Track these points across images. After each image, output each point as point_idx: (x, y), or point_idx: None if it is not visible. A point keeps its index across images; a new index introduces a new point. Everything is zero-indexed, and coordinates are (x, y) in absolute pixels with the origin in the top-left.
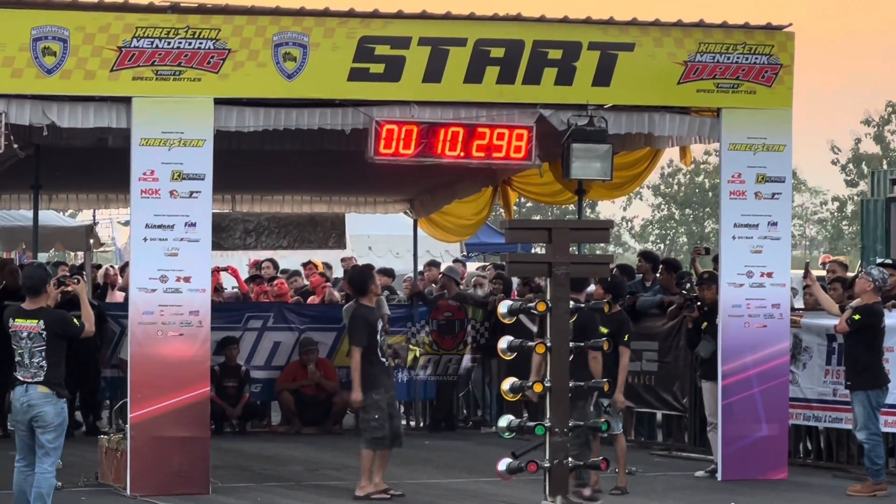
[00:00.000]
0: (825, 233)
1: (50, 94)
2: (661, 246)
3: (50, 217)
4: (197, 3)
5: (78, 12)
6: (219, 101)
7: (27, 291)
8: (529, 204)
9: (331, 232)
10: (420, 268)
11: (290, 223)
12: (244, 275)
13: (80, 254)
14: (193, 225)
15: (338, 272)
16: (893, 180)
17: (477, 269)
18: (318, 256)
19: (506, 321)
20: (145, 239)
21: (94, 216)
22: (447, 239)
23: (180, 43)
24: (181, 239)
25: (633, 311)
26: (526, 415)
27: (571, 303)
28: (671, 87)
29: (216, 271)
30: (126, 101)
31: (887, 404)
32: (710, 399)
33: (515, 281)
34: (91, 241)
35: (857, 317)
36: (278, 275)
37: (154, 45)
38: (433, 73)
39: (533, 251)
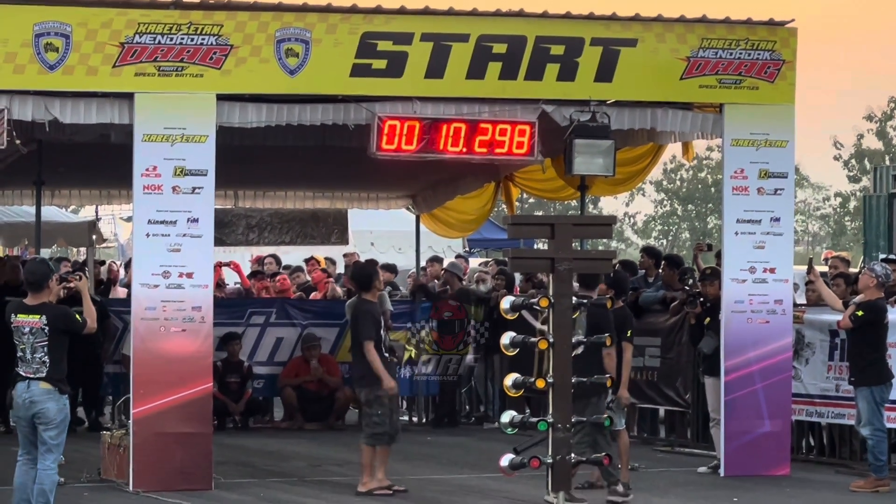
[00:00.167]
0: (828, 228)
1: (52, 90)
2: (664, 242)
3: (52, 213)
4: None
5: (80, 8)
6: (221, 97)
7: (29, 287)
8: (532, 200)
9: (333, 228)
10: (423, 263)
11: (293, 219)
12: (246, 270)
13: (83, 250)
14: (196, 221)
15: (340, 268)
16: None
17: (479, 264)
18: (321, 252)
19: (508, 317)
20: (148, 235)
21: (96, 212)
22: (450, 235)
23: (183, 39)
24: (184, 235)
25: (635, 307)
26: (528, 411)
27: (578, 299)
28: (674, 82)
29: (218, 267)
30: (128, 96)
31: (891, 400)
32: (712, 395)
33: (518, 277)
34: (94, 237)
35: (860, 313)
36: (280, 270)
37: (156, 41)
38: (435, 68)
39: (535, 247)
